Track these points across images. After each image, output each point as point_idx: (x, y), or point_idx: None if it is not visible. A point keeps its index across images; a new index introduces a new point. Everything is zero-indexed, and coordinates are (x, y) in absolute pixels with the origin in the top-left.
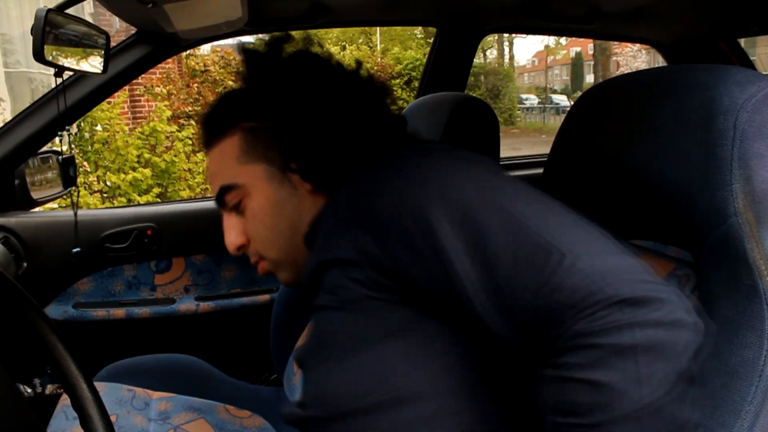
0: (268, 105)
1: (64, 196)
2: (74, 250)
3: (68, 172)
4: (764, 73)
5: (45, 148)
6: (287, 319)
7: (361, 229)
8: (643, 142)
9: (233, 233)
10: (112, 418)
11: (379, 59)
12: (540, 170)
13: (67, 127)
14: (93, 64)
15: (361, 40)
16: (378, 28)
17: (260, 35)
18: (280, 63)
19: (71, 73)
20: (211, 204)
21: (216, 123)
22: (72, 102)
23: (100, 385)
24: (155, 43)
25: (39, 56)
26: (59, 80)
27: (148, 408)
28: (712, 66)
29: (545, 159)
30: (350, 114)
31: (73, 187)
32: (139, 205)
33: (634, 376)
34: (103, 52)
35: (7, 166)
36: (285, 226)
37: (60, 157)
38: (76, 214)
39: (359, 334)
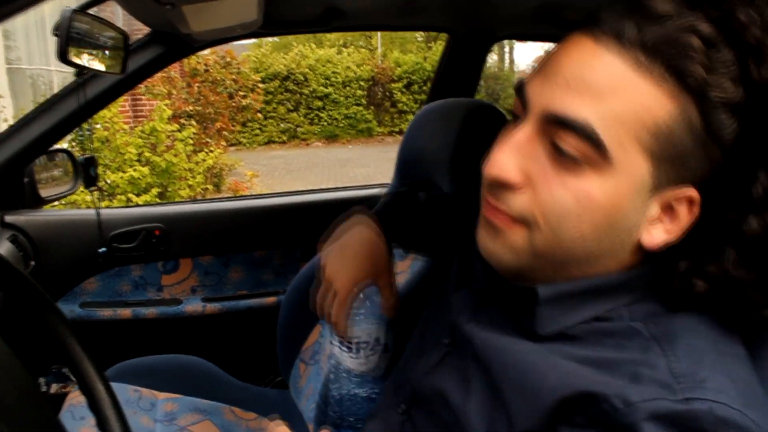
0: None
1: (93, 195)
2: (100, 251)
3: (89, 172)
4: None
5: (53, 147)
6: (294, 321)
7: None
8: None
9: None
10: None
11: (379, 62)
12: None
13: (89, 126)
14: (112, 64)
15: (360, 43)
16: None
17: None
18: None
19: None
20: (219, 205)
21: None
22: (85, 101)
23: None
24: (169, 43)
25: (63, 56)
26: (76, 79)
27: (155, 409)
28: None
29: None
30: None
31: (95, 188)
32: (147, 205)
33: None
34: (122, 52)
35: (18, 164)
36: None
37: (82, 157)
38: (99, 214)
39: None
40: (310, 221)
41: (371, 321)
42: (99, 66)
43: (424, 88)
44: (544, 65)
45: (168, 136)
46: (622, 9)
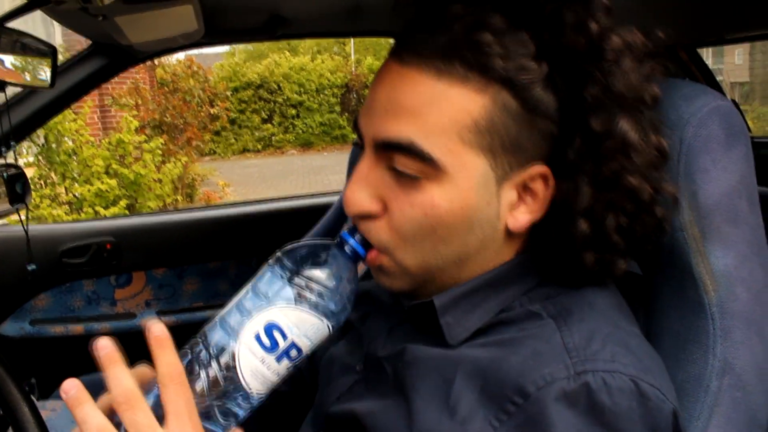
0: None
1: (31, 209)
2: (29, 267)
3: (14, 188)
4: (730, 81)
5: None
6: None
7: None
8: None
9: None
10: None
11: (353, 69)
12: None
13: (12, 143)
14: (39, 78)
15: (335, 50)
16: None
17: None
18: None
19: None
20: (171, 217)
21: None
22: (24, 116)
23: (57, 404)
24: (112, 55)
25: None
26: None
27: None
28: (659, 79)
29: None
30: None
31: (21, 204)
32: (97, 219)
33: None
34: (50, 65)
35: None
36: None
37: (5, 173)
38: (27, 231)
39: None
40: (264, 230)
41: None
42: (23, 80)
43: None
44: (368, 97)
45: (136, 148)
46: (416, 22)
